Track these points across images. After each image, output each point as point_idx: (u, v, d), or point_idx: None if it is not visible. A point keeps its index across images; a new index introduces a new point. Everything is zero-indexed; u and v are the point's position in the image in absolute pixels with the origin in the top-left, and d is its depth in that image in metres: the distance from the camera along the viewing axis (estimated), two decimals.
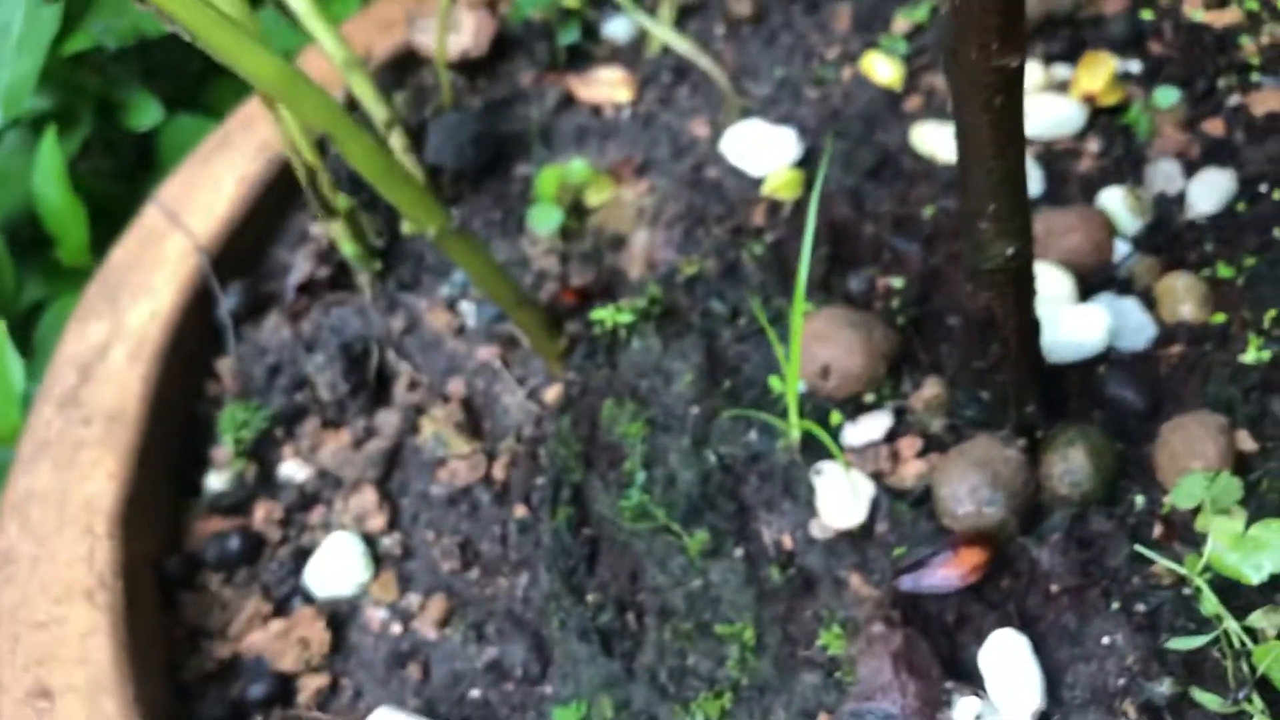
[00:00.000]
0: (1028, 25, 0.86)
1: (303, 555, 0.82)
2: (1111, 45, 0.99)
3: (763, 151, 0.95)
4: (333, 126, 0.70)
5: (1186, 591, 0.69)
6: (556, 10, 1.06)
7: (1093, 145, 0.94)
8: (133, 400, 0.85)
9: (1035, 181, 0.91)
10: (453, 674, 0.76)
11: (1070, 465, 0.72)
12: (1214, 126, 0.93)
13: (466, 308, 0.91)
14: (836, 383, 0.77)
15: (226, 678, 0.78)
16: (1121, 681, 0.67)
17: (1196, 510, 0.68)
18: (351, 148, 0.71)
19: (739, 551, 0.75)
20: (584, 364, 0.84)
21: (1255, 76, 0.95)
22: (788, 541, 0.75)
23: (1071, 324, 0.80)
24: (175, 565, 0.81)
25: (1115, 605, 0.69)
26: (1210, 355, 0.80)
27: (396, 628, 0.79)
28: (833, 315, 0.79)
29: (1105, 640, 0.68)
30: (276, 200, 0.98)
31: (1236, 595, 0.67)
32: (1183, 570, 0.67)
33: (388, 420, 0.87)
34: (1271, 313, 0.79)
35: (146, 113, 1.17)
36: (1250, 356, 0.78)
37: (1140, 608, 0.69)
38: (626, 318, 0.83)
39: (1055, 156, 0.94)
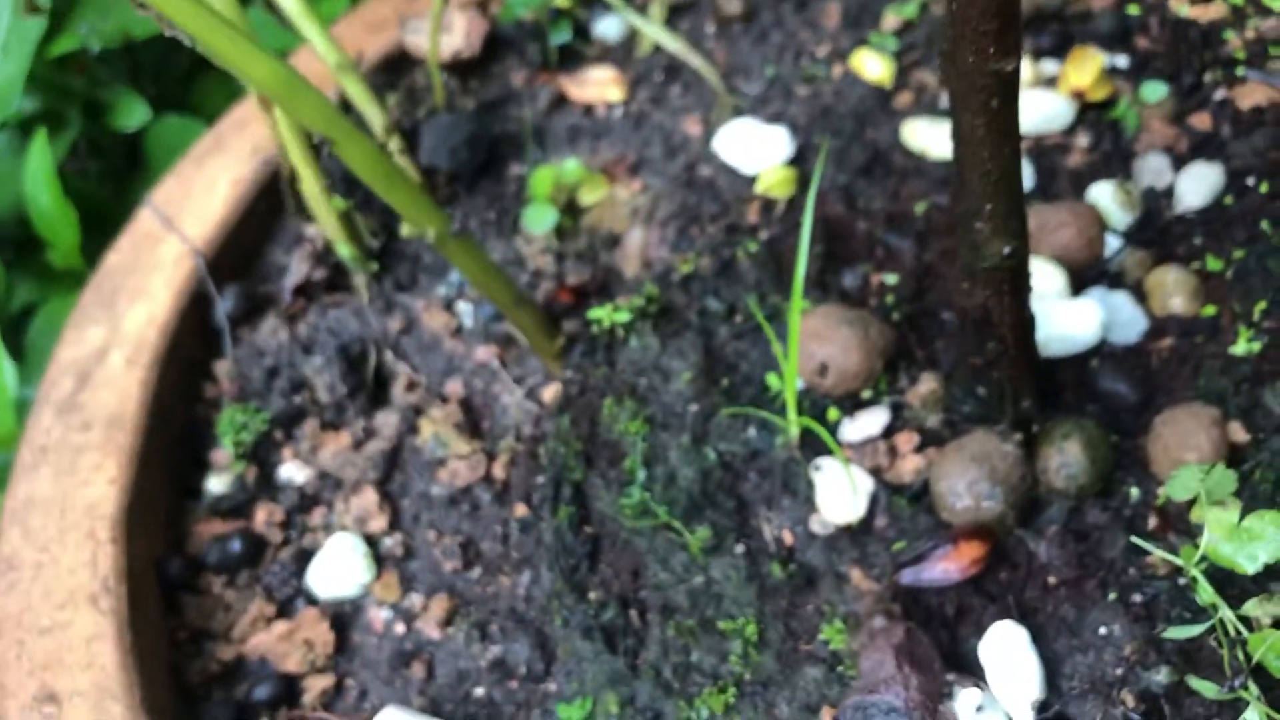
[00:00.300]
0: (1021, 33, 0.87)
1: (305, 557, 0.82)
2: (1099, 40, 1.00)
3: (755, 150, 0.96)
4: (331, 129, 0.70)
5: (1182, 581, 0.70)
6: (548, 10, 1.07)
7: (1082, 140, 0.95)
8: (132, 404, 0.85)
9: (1026, 177, 0.92)
10: (457, 673, 0.77)
11: (1066, 459, 0.73)
12: (1201, 120, 0.94)
13: (463, 308, 0.92)
14: (834, 380, 0.78)
15: (231, 680, 0.78)
16: (1119, 671, 0.68)
17: (1191, 501, 0.69)
18: (350, 150, 0.71)
19: (740, 548, 0.76)
20: (582, 363, 0.85)
21: (1241, 70, 0.96)
22: (788, 537, 0.76)
23: (1064, 319, 0.81)
24: (177, 568, 0.82)
25: (1112, 596, 0.70)
26: (1201, 348, 0.81)
27: (400, 627, 0.79)
28: (829, 313, 0.79)
29: (1103, 630, 0.70)
30: (271, 202, 0.98)
31: (1232, 584, 0.68)
32: (1178, 561, 0.68)
33: (387, 421, 0.87)
34: (1261, 304, 0.81)
35: (134, 113, 1.16)
36: (1240, 348, 0.79)
37: (1137, 598, 0.70)
38: (624, 316, 0.84)
39: (1045, 152, 0.95)
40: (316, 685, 0.77)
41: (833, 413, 0.80)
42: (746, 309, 0.85)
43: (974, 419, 0.76)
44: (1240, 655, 0.67)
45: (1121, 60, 0.99)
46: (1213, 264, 0.86)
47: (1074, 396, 0.80)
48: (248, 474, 0.86)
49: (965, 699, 0.67)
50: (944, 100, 0.98)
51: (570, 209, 0.96)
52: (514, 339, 0.89)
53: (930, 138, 0.95)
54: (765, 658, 0.71)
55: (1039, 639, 0.70)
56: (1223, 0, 1.00)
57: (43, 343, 1.11)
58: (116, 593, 0.76)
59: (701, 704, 0.70)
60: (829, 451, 0.77)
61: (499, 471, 0.84)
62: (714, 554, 0.76)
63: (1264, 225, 0.86)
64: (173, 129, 1.20)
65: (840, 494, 0.75)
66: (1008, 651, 0.68)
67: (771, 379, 0.81)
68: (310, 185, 0.90)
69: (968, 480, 0.72)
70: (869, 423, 0.78)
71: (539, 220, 0.94)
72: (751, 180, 0.95)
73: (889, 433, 0.79)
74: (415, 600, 0.80)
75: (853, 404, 0.80)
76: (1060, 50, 1.00)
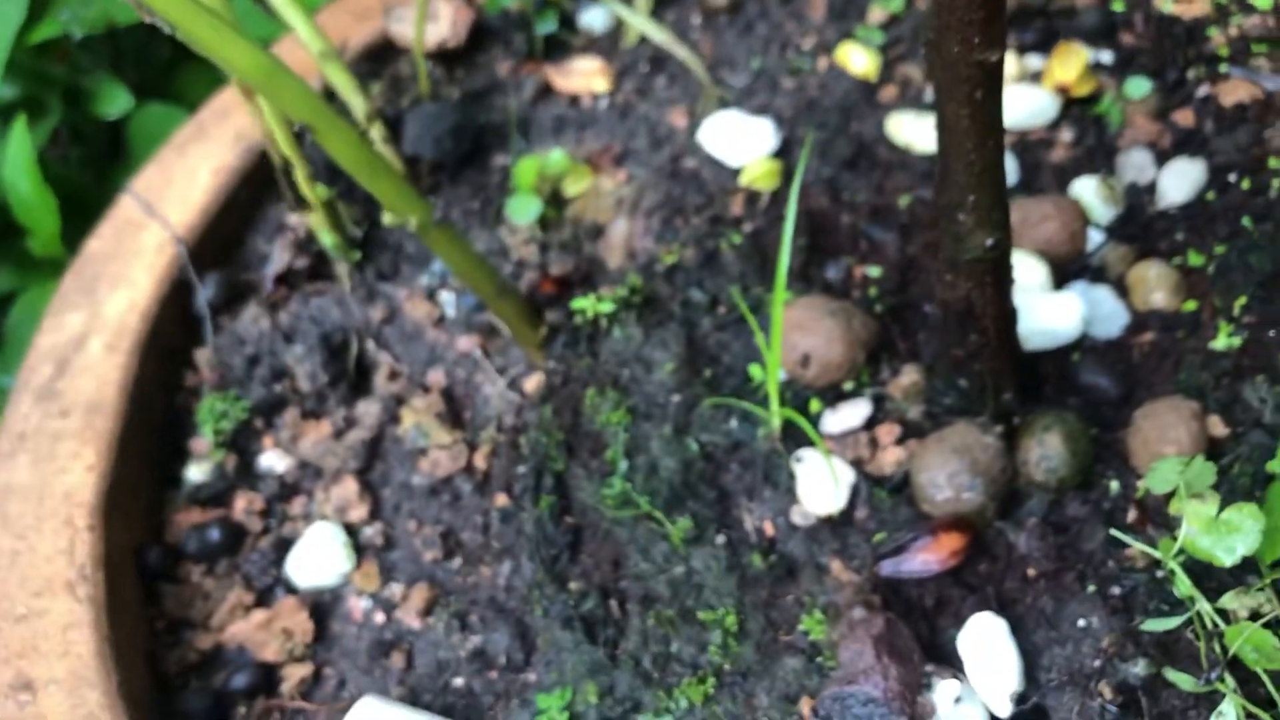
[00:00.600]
0: (1006, 25, 0.87)
1: (284, 546, 0.82)
2: (1084, 36, 1.00)
3: (740, 141, 0.96)
4: (313, 118, 0.70)
5: (1160, 574, 0.70)
6: (533, 0, 1.06)
7: (1065, 135, 0.95)
8: (111, 391, 0.84)
9: (1010, 171, 0.92)
10: (436, 663, 0.77)
11: (1046, 451, 0.73)
12: (1184, 117, 0.94)
13: (446, 298, 0.92)
14: (816, 371, 0.78)
15: (209, 668, 0.78)
16: (1097, 663, 0.68)
17: (1170, 494, 0.69)
18: (332, 139, 0.71)
19: (721, 538, 0.76)
20: (565, 353, 0.85)
21: (1224, 67, 0.96)
22: (769, 528, 0.76)
23: (1046, 312, 0.81)
24: (156, 557, 0.81)
25: (1091, 588, 0.71)
26: (1182, 342, 0.81)
27: (379, 617, 0.79)
28: (812, 304, 0.79)
29: (1081, 623, 0.70)
30: (253, 190, 0.97)
31: (1209, 577, 0.69)
32: (1157, 554, 0.68)
33: (368, 411, 0.87)
34: (1241, 299, 0.81)
35: (115, 101, 1.16)
36: (1221, 343, 0.80)
37: (1115, 591, 0.70)
38: (607, 307, 0.84)
39: (1029, 146, 0.95)
40: (295, 674, 0.77)
41: (815, 404, 0.80)
42: (730, 300, 0.85)
43: (955, 411, 0.76)
44: (1217, 648, 0.67)
45: (1106, 56, 0.99)
46: (1194, 259, 0.86)
47: (1055, 390, 0.80)
48: (228, 462, 0.86)
49: (944, 690, 0.67)
50: (929, 94, 0.98)
51: (555, 199, 0.96)
52: (497, 329, 0.89)
53: (915, 131, 0.95)
54: (745, 648, 0.71)
55: (1018, 631, 0.70)
56: None
57: (22, 331, 1.10)
58: (94, 580, 0.76)
59: (680, 694, 0.70)
60: (810, 443, 0.77)
61: (480, 462, 0.83)
62: (695, 544, 0.75)
63: (1245, 221, 0.86)
64: (155, 117, 1.19)
65: (821, 485, 0.75)
66: (986, 643, 0.68)
67: (754, 370, 0.81)
68: (296, 174, 0.89)
69: (948, 472, 0.72)
70: (850, 414, 0.78)
71: (523, 210, 0.94)
72: (736, 172, 0.95)
73: (870, 424, 0.79)
74: (395, 590, 0.79)
75: (834, 395, 0.80)
76: (1045, 46, 1.00)
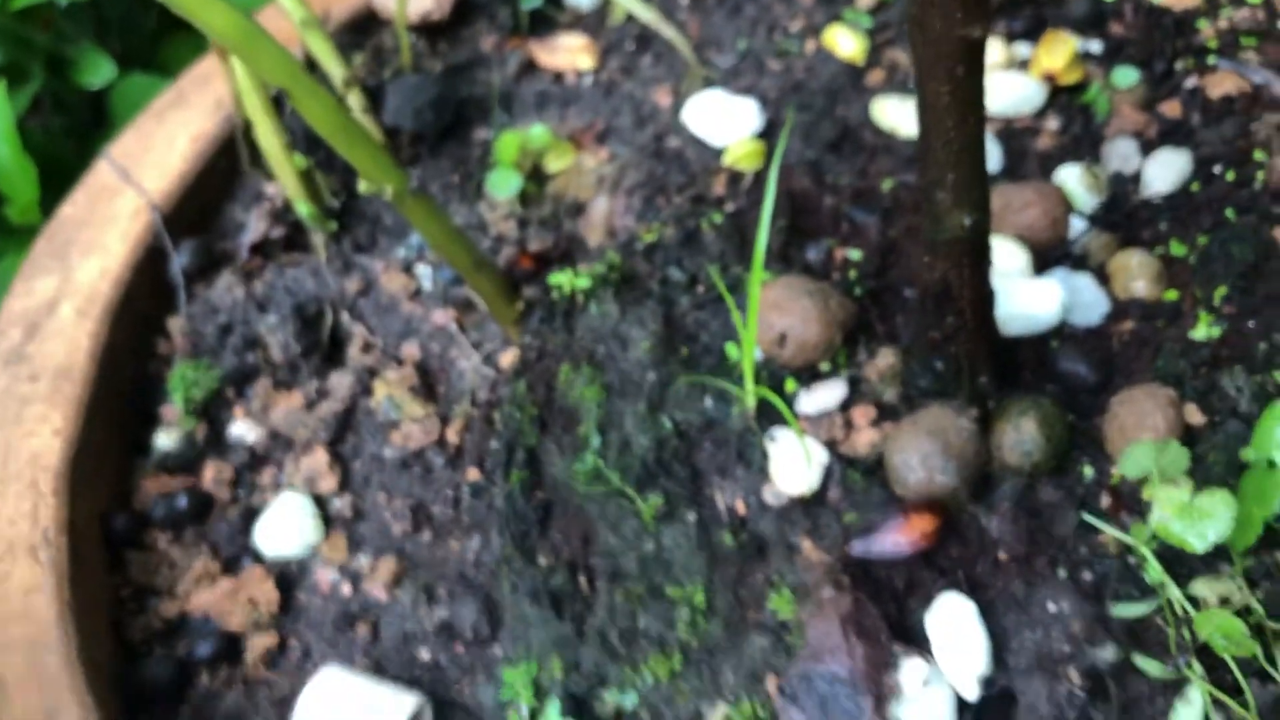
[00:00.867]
0: (991, 2, 0.87)
1: (252, 515, 0.81)
2: (1072, 25, 1.00)
3: (724, 122, 0.95)
4: (290, 82, 0.69)
5: (1132, 561, 0.70)
6: None
7: (1052, 123, 0.95)
8: (81, 357, 0.83)
9: (994, 158, 0.92)
10: (403, 635, 0.76)
11: (1021, 435, 0.72)
12: (1171, 108, 0.94)
13: (422, 271, 0.91)
14: (793, 351, 0.77)
15: (173, 636, 0.77)
16: (1066, 648, 0.68)
17: (1143, 482, 0.69)
18: (308, 104, 0.70)
19: (692, 516, 0.75)
20: (540, 328, 0.84)
21: (1212, 59, 0.95)
22: (741, 507, 0.75)
23: (1026, 298, 0.81)
24: (122, 523, 0.80)
25: (1062, 573, 0.70)
26: (1162, 331, 0.81)
27: (346, 589, 0.78)
28: (790, 284, 0.79)
29: (1052, 607, 0.69)
30: (232, 159, 0.96)
31: (1181, 564, 0.68)
32: (1129, 539, 0.68)
33: (340, 382, 0.86)
34: (1222, 290, 0.81)
35: (98, 70, 1.15)
36: (1200, 333, 0.79)
37: (1087, 576, 0.70)
38: (584, 283, 0.83)
39: (1015, 133, 0.94)
40: (259, 644, 0.76)
41: (790, 384, 0.79)
42: (708, 280, 0.84)
43: (931, 394, 0.75)
44: (1186, 634, 0.67)
45: (1094, 45, 0.98)
46: (1176, 249, 0.85)
47: (1033, 376, 0.79)
48: (197, 431, 0.85)
49: (911, 671, 0.66)
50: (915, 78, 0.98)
51: (535, 175, 0.95)
52: (473, 303, 0.88)
53: (900, 116, 0.94)
54: (713, 626, 0.71)
55: (988, 614, 0.69)
56: None
57: None
58: (57, 544, 0.75)
59: (647, 670, 0.70)
60: (785, 422, 0.77)
61: (452, 436, 0.83)
62: (666, 522, 0.75)
63: (1229, 213, 0.86)
64: (138, 87, 1.18)
65: (794, 465, 0.75)
66: (955, 624, 0.68)
67: (731, 349, 0.81)
68: (270, 141, 0.88)
69: (922, 454, 0.71)
70: (826, 395, 0.78)
71: (503, 185, 0.93)
72: (720, 152, 0.94)
73: (845, 406, 0.78)
74: (363, 562, 0.79)
75: (810, 376, 0.79)
76: (1033, 34, 1.00)
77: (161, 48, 1.26)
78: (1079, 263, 0.86)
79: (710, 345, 0.82)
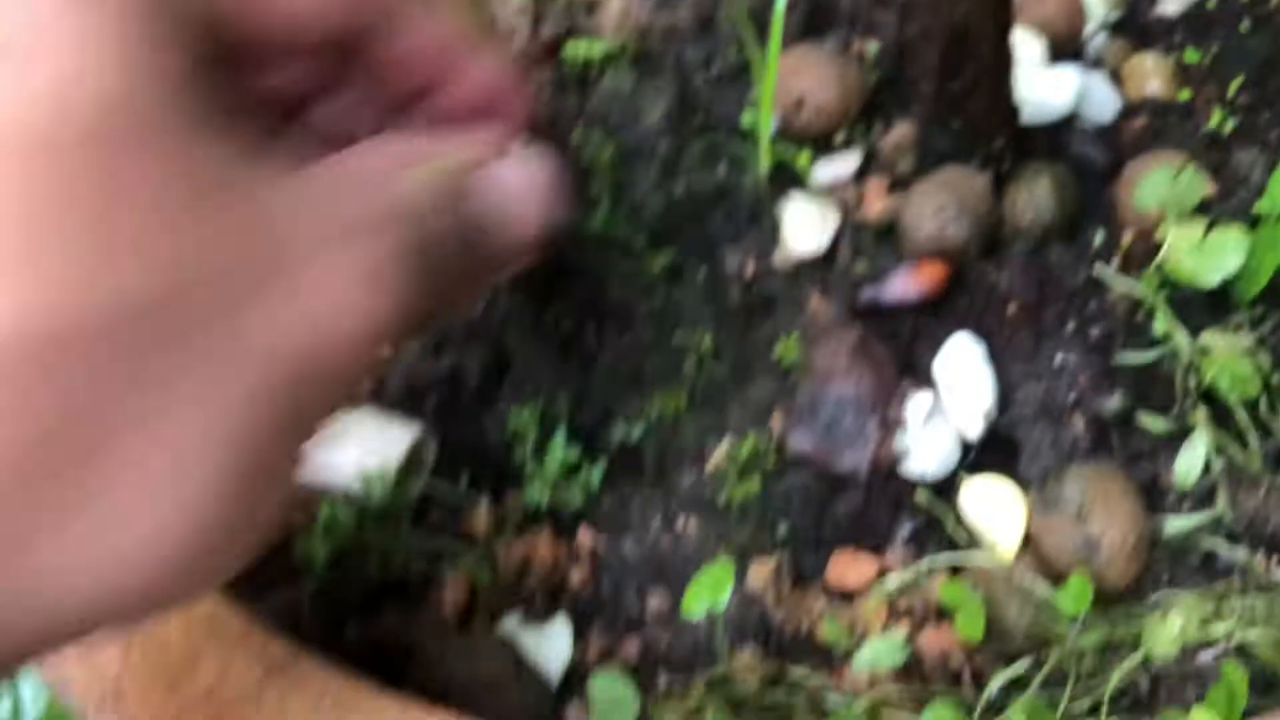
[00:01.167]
0: None
1: None
2: None
3: None
4: None
5: (1140, 318, 0.70)
6: None
7: None
8: None
9: None
10: (407, 387, 0.75)
11: (1034, 197, 0.73)
12: None
13: None
14: (810, 115, 0.77)
15: None
16: (1072, 396, 0.68)
17: (1157, 227, 0.69)
18: None
19: (701, 274, 0.75)
20: (553, 99, 0.84)
21: None
22: (750, 267, 0.75)
23: (1041, 85, 0.81)
24: None
25: (1071, 326, 0.70)
26: (1175, 125, 0.81)
27: None
28: (808, 51, 0.79)
29: (1058, 359, 0.70)
30: None
31: (1190, 317, 0.69)
32: (1139, 290, 0.68)
33: None
34: (1237, 82, 0.81)
35: None
36: (1214, 124, 0.79)
37: (1095, 331, 0.70)
38: (600, 49, 0.82)
39: None
40: None
41: (805, 156, 0.79)
42: (725, 59, 0.84)
43: (946, 157, 0.75)
44: (1192, 382, 0.67)
45: None
46: (1191, 56, 0.85)
47: (1045, 159, 0.79)
48: None
49: (916, 403, 0.66)
50: None
51: None
52: None
53: None
54: (719, 369, 0.71)
55: (994, 364, 0.70)
56: None
57: None
58: None
59: (654, 406, 0.70)
60: (798, 186, 0.77)
61: None
62: (675, 279, 0.75)
63: (1243, 26, 0.86)
64: None
65: (806, 225, 0.75)
66: (963, 364, 0.68)
67: (746, 118, 0.80)
68: None
69: (934, 206, 0.71)
70: (841, 165, 0.78)
71: None
72: None
73: (860, 176, 0.78)
74: None
75: (826, 145, 0.79)
76: None
77: None
78: (1093, 66, 0.86)
79: (726, 116, 0.81)
